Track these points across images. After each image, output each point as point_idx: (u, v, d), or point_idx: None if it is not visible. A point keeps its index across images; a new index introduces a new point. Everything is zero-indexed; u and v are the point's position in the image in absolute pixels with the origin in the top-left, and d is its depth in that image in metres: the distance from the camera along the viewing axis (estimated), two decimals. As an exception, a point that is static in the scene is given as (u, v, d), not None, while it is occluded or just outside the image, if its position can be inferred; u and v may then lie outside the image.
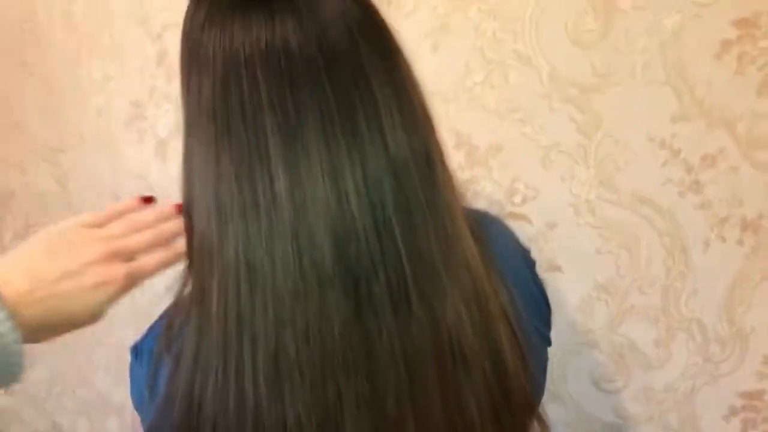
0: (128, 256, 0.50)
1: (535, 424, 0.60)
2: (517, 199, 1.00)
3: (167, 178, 1.17)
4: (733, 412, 1.00)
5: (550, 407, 1.09)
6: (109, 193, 1.21)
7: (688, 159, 0.91)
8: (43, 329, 0.44)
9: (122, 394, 1.40)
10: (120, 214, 0.53)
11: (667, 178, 0.92)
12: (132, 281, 0.50)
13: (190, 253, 0.48)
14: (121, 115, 1.15)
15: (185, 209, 0.48)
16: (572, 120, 0.94)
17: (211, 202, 0.45)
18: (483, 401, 0.49)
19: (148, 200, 0.56)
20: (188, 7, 0.49)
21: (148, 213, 0.54)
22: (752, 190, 0.89)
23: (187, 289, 0.48)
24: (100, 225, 0.52)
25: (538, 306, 0.61)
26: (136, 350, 0.54)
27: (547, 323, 0.63)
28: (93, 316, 0.49)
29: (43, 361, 1.45)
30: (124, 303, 1.28)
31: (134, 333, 1.33)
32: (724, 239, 0.93)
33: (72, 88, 1.17)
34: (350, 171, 0.43)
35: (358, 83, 0.44)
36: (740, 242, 0.92)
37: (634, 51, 0.88)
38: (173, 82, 1.11)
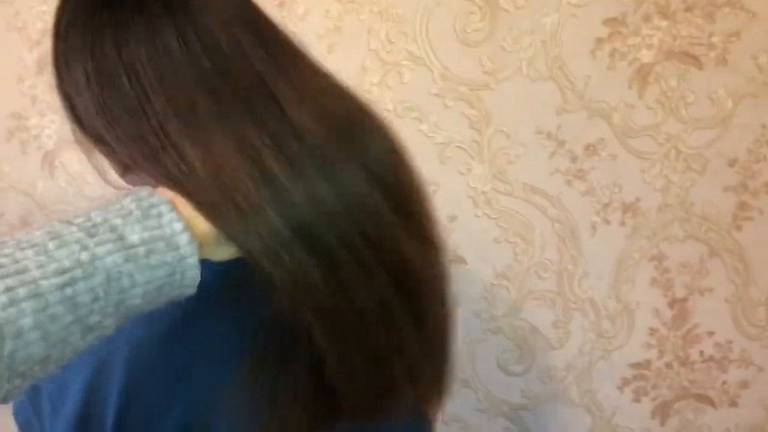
0: None
1: None
2: (418, 194, 1.02)
3: (55, 193, 1.11)
4: (625, 382, 1.08)
5: (462, 393, 1.13)
6: (-9, 212, 1.13)
7: (572, 149, 0.97)
8: (216, 245, 0.43)
9: None
10: None
11: (555, 168, 0.98)
12: None
13: None
14: (1, 127, 1.08)
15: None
16: (465, 116, 0.98)
17: None
18: None
19: None
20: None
21: None
22: (629, 175, 0.97)
23: None
24: None
25: None
26: None
27: None
28: None
29: None
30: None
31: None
32: (608, 222, 1.00)
33: (-59, 101, 1.08)
34: (258, 138, 0.43)
35: (245, 71, 0.45)
36: (622, 224, 1.00)
37: (519, 48, 0.94)
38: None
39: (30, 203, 1.12)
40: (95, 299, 0.36)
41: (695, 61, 0.90)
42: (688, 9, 0.89)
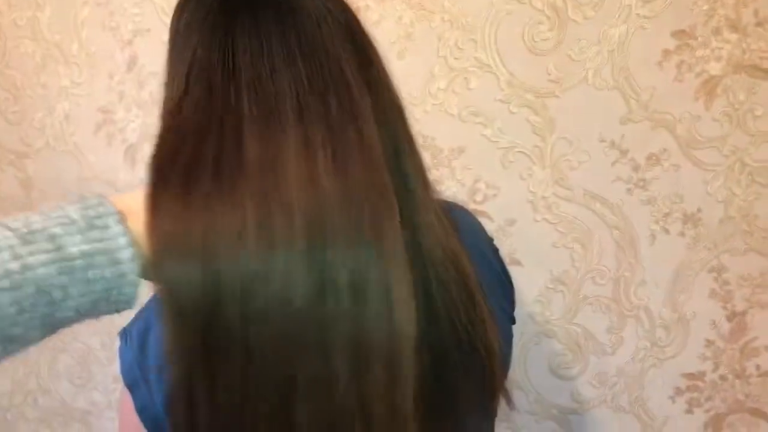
0: None
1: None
2: (479, 197, 1.06)
3: (135, 184, 1.18)
4: (678, 392, 1.08)
5: (512, 394, 1.15)
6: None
7: (635, 158, 0.99)
8: None
9: (85, 400, 1.40)
10: None
11: (616, 176, 1.00)
12: None
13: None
14: (89, 120, 1.16)
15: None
16: (529, 123, 1.01)
17: None
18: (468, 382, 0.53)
19: None
20: (175, 8, 0.52)
21: None
22: (692, 186, 0.98)
23: None
24: None
25: (503, 286, 0.66)
26: (125, 334, 0.55)
27: (511, 302, 0.68)
28: None
29: (3, 371, 1.43)
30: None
31: (99, 340, 1.33)
32: (667, 232, 1.01)
33: (38, 95, 1.17)
34: (322, 152, 0.44)
35: (332, 72, 0.48)
36: (682, 234, 1.00)
37: (586, 58, 0.96)
38: (144, 87, 1.13)
39: (112, 193, 1.20)
40: (20, 311, 0.34)
41: (764, 74, 0.91)
42: (759, 23, 0.89)
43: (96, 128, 1.17)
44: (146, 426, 0.53)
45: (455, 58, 1.00)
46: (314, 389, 0.43)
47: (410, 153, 0.53)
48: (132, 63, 1.12)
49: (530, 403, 1.16)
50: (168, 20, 0.53)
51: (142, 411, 0.53)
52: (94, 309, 0.38)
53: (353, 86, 0.49)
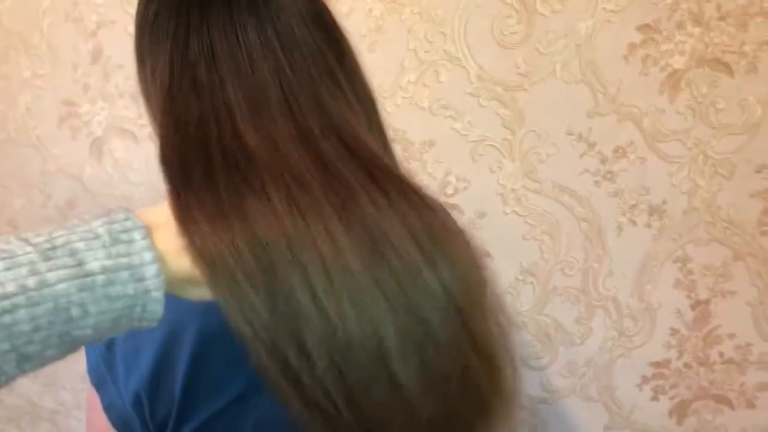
0: None
1: None
2: (450, 190, 1.06)
3: (103, 178, 1.16)
4: (645, 380, 1.10)
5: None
6: (38, 192, 1.19)
7: (602, 151, 1.00)
8: (188, 283, 0.40)
9: (52, 400, 1.37)
10: None
11: (584, 168, 1.01)
12: None
13: None
14: (53, 113, 1.14)
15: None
16: (498, 116, 1.01)
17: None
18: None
19: None
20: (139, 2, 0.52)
21: None
22: (657, 178, 1.00)
23: None
24: None
25: None
26: None
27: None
28: None
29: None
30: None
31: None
32: (634, 223, 1.03)
33: (-1, 86, 1.14)
34: (326, 142, 0.45)
35: (315, 62, 0.49)
36: (648, 225, 1.02)
37: (554, 52, 0.97)
38: (109, 80, 1.10)
39: (77, 187, 1.17)
40: (36, 329, 0.33)
41: (726, 68, 0.93)
42: (721, 18, 0.91)
43: (60, 121, 1.15)
44: (114, 424, 0.53)
45: (425, 51, 1.00)
46: (408, 347, 0.42)
47: (385, 145, 0.54)
48: (97, 55, 1.10)
49: (501, 393, 1.17)
50: (133, 11, 0.52)
51: (110, 409, 0.52)
52: (115, 326, 0.36)
53: (340, 76, 0.49)
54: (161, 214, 0.39)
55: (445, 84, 1.01)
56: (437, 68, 1.01)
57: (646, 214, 1.02)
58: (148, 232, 0.37)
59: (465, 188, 1.06)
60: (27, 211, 1.20)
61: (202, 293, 0.40)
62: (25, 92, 1.14)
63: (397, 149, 1.06)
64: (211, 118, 0.45)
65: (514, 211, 1.05)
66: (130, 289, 0.35)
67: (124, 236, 0.36)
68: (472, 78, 1.00)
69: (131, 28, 1.07)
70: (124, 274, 0.35)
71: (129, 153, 1.14)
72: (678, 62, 0.94)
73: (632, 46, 0.95)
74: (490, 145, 1.03)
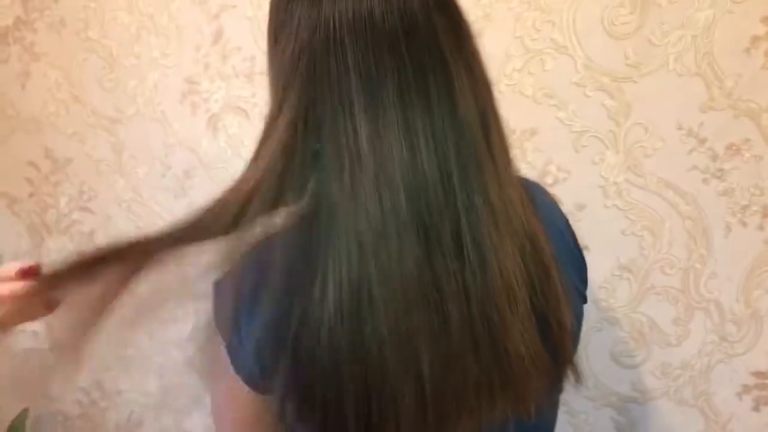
0: None
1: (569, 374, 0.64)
2: (549, 180, 1.05)
3: (215, 151, 1.24)
4: (745, 389, 1.06)
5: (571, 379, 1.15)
6: (159, 163, 1.29)
7: (713, 147, 0.96)
8: None
9: (161, 353, 1.48)
10: None
11: (692, 165, 0.98)
12: None
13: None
14: (176, 90, 1.23)
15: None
16: (604, 107, 0.99)
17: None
18: (532, 346, 0.55)
19: (28, 274, 0.57)
20: None
21: (14, 286, 0.56)
22: (774, 178, 0.95)
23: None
24: None
25: (577, 264, 0.67)
26: (218, 286, 0.58)
27: (584, 281, 0.68)
28: None
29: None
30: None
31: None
32: (744, 224, 0.98)
33: (132, 65, 1.24)
34: (422, 130, 0.50)
35: (431, 49, 0.51)
36: (760, 228, 0.97)
37: (668, 43, 0.94)
38: (227, 61, 1.18)
39: (194, 160, 1.26)
40: None
41: None
42: None
43: (182, 97, 1.23)
44: (239, 372, 0.57)
45: (532, 39, 1.00)
46: (433, 338, 0.49)
47: (497, 128, 0.56)
48: (217, 37, 1.17)
49: (589, 388, 1.16)
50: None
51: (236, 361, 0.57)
52: None
53: (450, 63, 0.51)
54: None
55: (551, 72, 1.00)
56: (543, 56, 1.00)
57: (759, 215, 0.97)
58: None
59: (565, 179, 1.05)
60: (150, 179, 1.31)
61: None
62: (153, 70, 1.23)
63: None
64: (337, 106, 0.50)
65: (615, 205, 1.03)
66: None
67: None
68: (578, 67, 0.99)
69: (250, 12, 1.13)
70: None
71: (241, 130, 1.21)
72: (806, 56, 0.89)
73: (755, 39, 0.90)
74: (593, 136, 1.01)
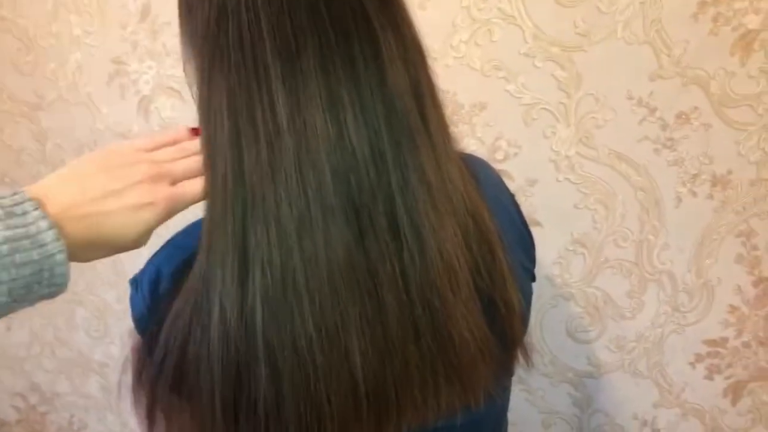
0: (173, 180, 0.50)
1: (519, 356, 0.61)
2: (500, 155, 1.02)
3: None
4: (698, 358, 1.06)
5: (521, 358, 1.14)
6: (88, 150, 1.20)
7: (663, 117, 0.95)
8: (86, 247, 0.45)
9: (102, 352, 1.41)
10: (169, 141, 0.53)
11: (643, 135, 0.96)
12: (174, 205, 0.49)
13: (206, 184, 0.49)
14: (102, 71, 1.14)
15: (203, 141, 0.49)
16: (554, 78, 0.97)
17: (213, 132, 0.46)
18: (478, 330, 0.52)
19: (196, 131, 0.54)
20: None
21: (196, 142, 0.52)
22: (722, 146, 0.94)
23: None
24: (150, 149, 0.51)
25: (524, 242, 0.64)
26: (135, 282, 0.55)
27: (531, 259, 0.66)
28: (137, 238, 0.48)
29: (21, 323, 1.44)
30: (106, 263, 1.27)
31: (115, 294, 1.33)
32: (695, 194, 0.97)
33: (50, 45, 1.15)
34: (349, 102, 0.45)
35: (355, 12, 0.46)
36: (710, 197, 0.97)
37: (616, 11, 0.91)
38: (157, 38, 1.10)
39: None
40: None
41: (807, 28, 0.86)
42: (804, -28, 0.84)
43: (109, 79, 1.15)
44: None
45: (478, 9, 0.96)
46: (367, 328, 0.46)
47: (432, 99, 0.51)
48: (145, 13, 1.09)
49: (546, 365, 1.15)
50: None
51: None
52: (28, 293, 0.40)
53: (377, 28, 0.46)
54: (51, 185, 0.44)
55: (499, 43, 0.97)
56: (491, 27, 0.96)
57: (708, 184, 0.96)
58: (39, 203, 0.41)
59: (516, 154, 1.02)
60: (77, 169, 1.22)
61: (102, 254, 0.46)
62: (75, 50, 1.14)
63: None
64: (242, 99, 0.45)
65: (567, 179, 1.01)
66: (34, 255, 0.39)
67: (17, 209, 0.40)
68: (527, 37, 0.96)
69: (179, -15, 1.05)
70: (26, 242, 0.39)
71: (175, 112, 1.14)
72: (752, 21, 0.88)
73: (702, 4, 0.88)
74: (544, 108, 0.98)
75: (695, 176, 0.96)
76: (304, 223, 0.44)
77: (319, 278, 0.45)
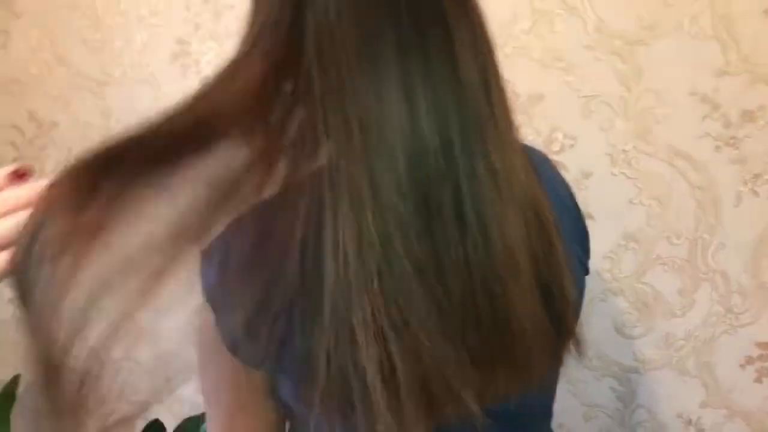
0: None
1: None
2: (555, 147, 1.02)
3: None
4: (749, 361, 1.05)
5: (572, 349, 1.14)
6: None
7: (727, 114, 0.93)
8: None
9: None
10: None
11: (705, 132, 0.95)
12: None
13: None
14: (166, 50, 1.17)
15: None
16: (615, 71, 0.95)
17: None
18: (536, 319, 0.53)
19: (21, 176, 0.45)
20: None
21: (20, 192, 0.44)
22: (788, 147, 0.92)
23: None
24: None
25: (580, 235, 0.64)
26: (206, 253, 0.53)
27: (586, 251, 0.66)
28: None
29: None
30: None
31: None
32: (756, 194, 0.95)
33: (117, 24, 1.18)
34: (422, 91, 0.46)
35: (432, 6, 0.46)
36: (771, 198, 0.95)
37: (683, 3, 0.89)
38: (219, 20, 1.12)
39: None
40: None
41: None
42: None
43: (172, 59, 1.18)
44: (226, 344, 0.54)
45: (541, 0, 0.95)
46: (434, 313, 0.47)
47: (498, 90, 0.51)
48: (209, -6, 1.11)
49: (590, 359, 1.15)
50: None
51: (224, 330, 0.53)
52: None
53: (451, 17, 0.47)
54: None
55: (560, 35, 0.96)
56: (552, 18, 0.96)
57: (770, 184, 0.94)
58: None
59: (572, 146, 1.01)
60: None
61: None
62: (141, 29, 1.18)
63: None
64: (330, 66, 0.46)
65: (623, 173, 1.00)
66: None
67: None
68: (589, 29, 0.95)
69: (244, -32, 1.07)
70: None
71: (235, 93, 1.17)
72: (828, 19, 0.85)
73: (776, 0, 0.86)
74: (603, 101, 0.97)
75: (757, 176, 0.94)
76: (381, 210, 0.45)
77: (388, 262, 0.46)
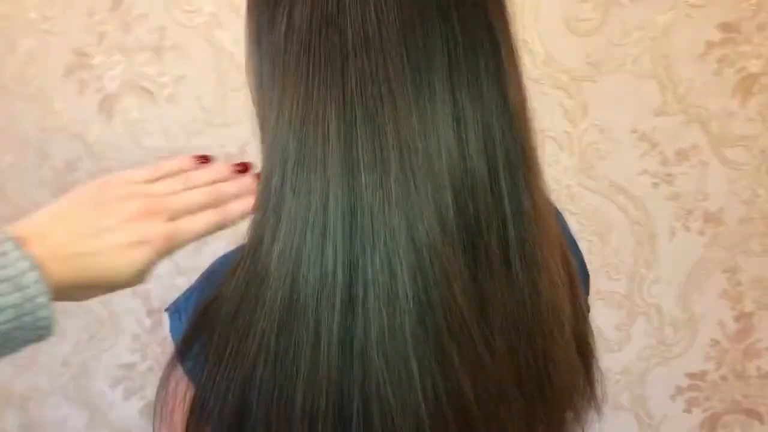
0: (172, 215, 0.45)
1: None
2: (502, 181, 1.00)
3: (111, 139, 1.03)
4: (679, 391, 1.07)
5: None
6: (34, 153, 1.05)
7: (664, 152, 0.96)
8: (76, 287, 0.41)
9: (24, 383, 1.23)
10: (172, 171, 0.47)
11: (643, 169, 0.97)
12: (170, 243, 0.44)
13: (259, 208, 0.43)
14: (59, 62, 1.00)
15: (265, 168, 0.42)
16: (561, 106, 0.96)
17: (301, 155, 0.39)
18: (574, 373, 0.48)
19: (205, 159, 0.49)
20: None
21: (203, 172, 0.48)
22: (717, 184, 0.97)
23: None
24: (148, 181, 0.46)
25: (584, 276, 0.61)
26: (177, 311, 0.48)
27: (587, 294, 0.64)
28: (130, 278, 0.43)
29: None
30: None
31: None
32: (688, 229, 0.99)
33: (-4, 26, 1.00)
34: (472, 118, 0.40)
35: (479, 19, 0.41)
36: (701, 233, 0.99)
37: (627, 43, 0.92)
38: (130, 31, 0.98)
39: (80, 148, 1.04)
40: None
41: (805, 76, 0.90)
42: (810, 23, 0.88)
43: (67, 72, 1.01)
44: None
45: (492, 30, 0.93)
46: (477, 371, 0.41)
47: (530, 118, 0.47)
48: (118, 1, 0.98)
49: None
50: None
51: None
52: (9, 340, 0.37)
53: (499, 37, 0.42)
54: (37, 222, 0.40)
55: (510, 67, 0.95)
56: (502, 50, 0.94)
57: (701, 220, 0.99)
58: (20, 242, 0.37)
59: (517, 181, 1.00)
60: (16, 170, 1.06)
61: (97, 293, 0.43)
62: (28, 36, 1.00)
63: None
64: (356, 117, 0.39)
65: (567, 209, 1.00)
66: (14, 299, 0.36)
67: None
68: (538, 63, 0.94)
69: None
70: (4, 286, 0.36)
71: (145, 114, 1.02)
72: (754, 65, 0.91)
73: (710, 45, 0.91)
74: (549, 136, 0.97)
75: (690, 212, 0.98)
76: (421, 255, 0.39)
77: (433, 313, 0.39)
